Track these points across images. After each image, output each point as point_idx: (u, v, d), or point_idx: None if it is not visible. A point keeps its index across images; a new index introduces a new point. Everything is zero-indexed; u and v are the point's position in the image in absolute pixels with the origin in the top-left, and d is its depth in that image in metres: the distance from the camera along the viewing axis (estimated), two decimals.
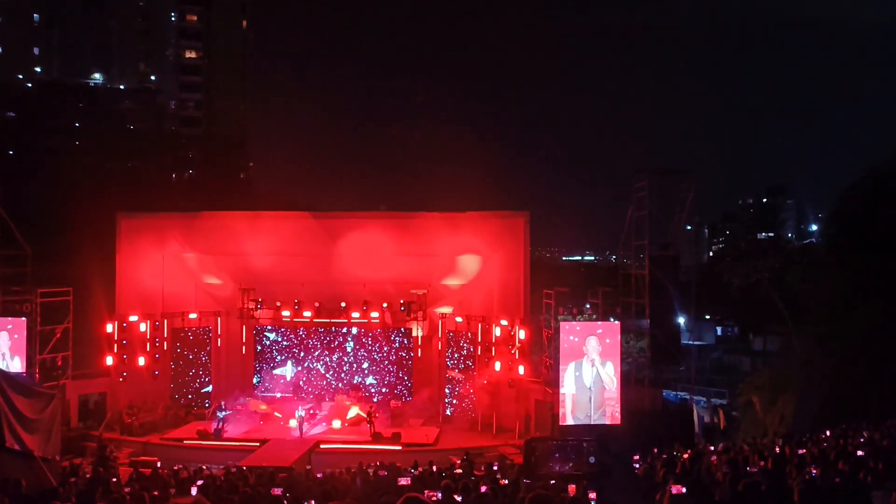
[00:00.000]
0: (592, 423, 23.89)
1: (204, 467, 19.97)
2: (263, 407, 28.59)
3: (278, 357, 31.58)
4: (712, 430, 29.48)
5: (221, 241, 29.35)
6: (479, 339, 28.77)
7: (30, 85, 71.73)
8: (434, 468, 17.67)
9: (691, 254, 30.00)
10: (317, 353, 31.46)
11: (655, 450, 19.21)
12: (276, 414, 28.18)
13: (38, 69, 75.85)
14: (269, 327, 31.47)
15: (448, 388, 30.05)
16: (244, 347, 31.24)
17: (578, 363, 24.82)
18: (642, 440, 22.00)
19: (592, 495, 7.50)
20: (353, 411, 28.05)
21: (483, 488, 9.06)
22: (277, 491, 10.31)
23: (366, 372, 31.24)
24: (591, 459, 2.62)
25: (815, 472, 8.95)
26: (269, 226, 29.54)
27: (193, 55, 74.50)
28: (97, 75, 76.49)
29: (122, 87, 74.15)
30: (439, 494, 8.15)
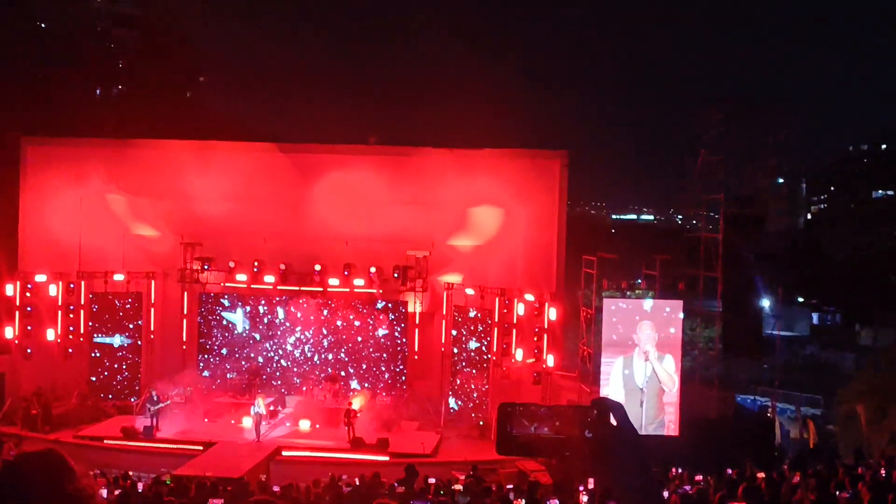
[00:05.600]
0: (644, 434, 23.99)
1: (131, 474, 20.15)
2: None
3: (230, 333, 31.68)
4: (799, 446, 29.58)
5: (159, 179, 29.27)
6: (497, 319, 28.79)
7: None
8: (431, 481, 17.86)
9: (782, 214, 29.98)
10: (281, 330, 31.56)
11: (729, 470, 19.34)
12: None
13: None
14: (222, 296, 31.55)
15: (454, 382, 30.15)
16: (186, 320, 31.34)
17: (628, 357, 24.86)
18: (707, 457, 22.10)
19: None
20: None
21: None
22: (217, 502, 10.39)
23: (345, 357, 31.34)
24: (588, 434, 2.55)
25: None
26: (223, 160, 29.41)
27: None
28: None
29: None
30: None
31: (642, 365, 24.73)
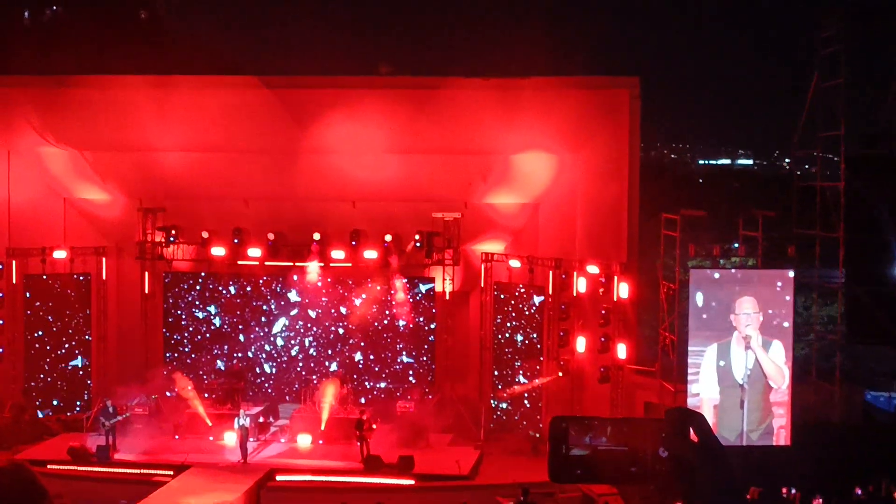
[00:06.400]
0: (747, 444, 23.90)
1: None
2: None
3: (207, 324, 31.76)
4: None
5: (108, 127, 29.29)
6: (551, 299, 28.78)
7: None
8: None
9: None
10: (269, 319, 31.62)
11: (858, 490, 19.24)
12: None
13: None
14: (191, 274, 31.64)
15: (497, 382, 30.15)
16: (148, 308, 31.42)
17: (724, 344, 24.73)
18: (828, 472, 21.99)
19: None
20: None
21: None
22: None
23: (353, 352, 31.39)
24: (662, 452, 2.54)
25: None
26: (190, 101, 29.41)
27: None
28: None
29: None
30: None
31: (742, 354, 24.61)
